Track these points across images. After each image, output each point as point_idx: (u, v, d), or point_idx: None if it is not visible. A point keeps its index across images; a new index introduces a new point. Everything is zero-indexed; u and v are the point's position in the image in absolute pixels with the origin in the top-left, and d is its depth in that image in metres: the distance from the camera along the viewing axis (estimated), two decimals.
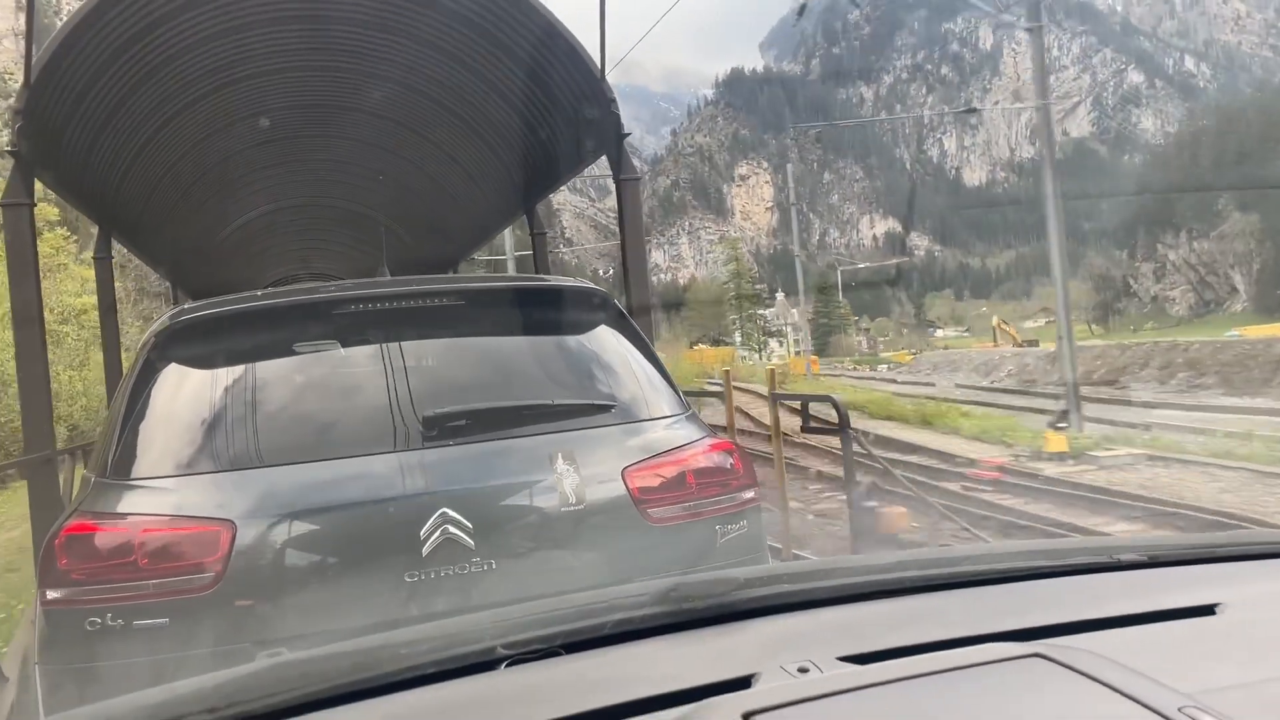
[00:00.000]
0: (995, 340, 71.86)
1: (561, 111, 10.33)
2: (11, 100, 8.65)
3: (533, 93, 10.37)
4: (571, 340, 3.69)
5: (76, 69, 8.26)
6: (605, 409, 3.42)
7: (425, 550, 2.94)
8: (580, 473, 3.16)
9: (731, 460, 3.50)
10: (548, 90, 10.28)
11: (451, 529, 2.97)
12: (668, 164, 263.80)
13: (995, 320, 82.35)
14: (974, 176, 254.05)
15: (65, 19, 8.04)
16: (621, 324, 3.74)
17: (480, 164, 11.79)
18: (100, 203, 10.64)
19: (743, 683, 1.07)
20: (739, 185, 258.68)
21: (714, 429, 3.80)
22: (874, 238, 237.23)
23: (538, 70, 10.16)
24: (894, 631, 1.23)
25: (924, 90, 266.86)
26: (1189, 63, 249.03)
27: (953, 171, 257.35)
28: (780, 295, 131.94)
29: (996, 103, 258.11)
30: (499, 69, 10.14)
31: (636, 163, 10.17)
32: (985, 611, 1.36)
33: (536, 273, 12.63)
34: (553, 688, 1.13)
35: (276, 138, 11.35)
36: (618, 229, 10.07)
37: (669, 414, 3.53)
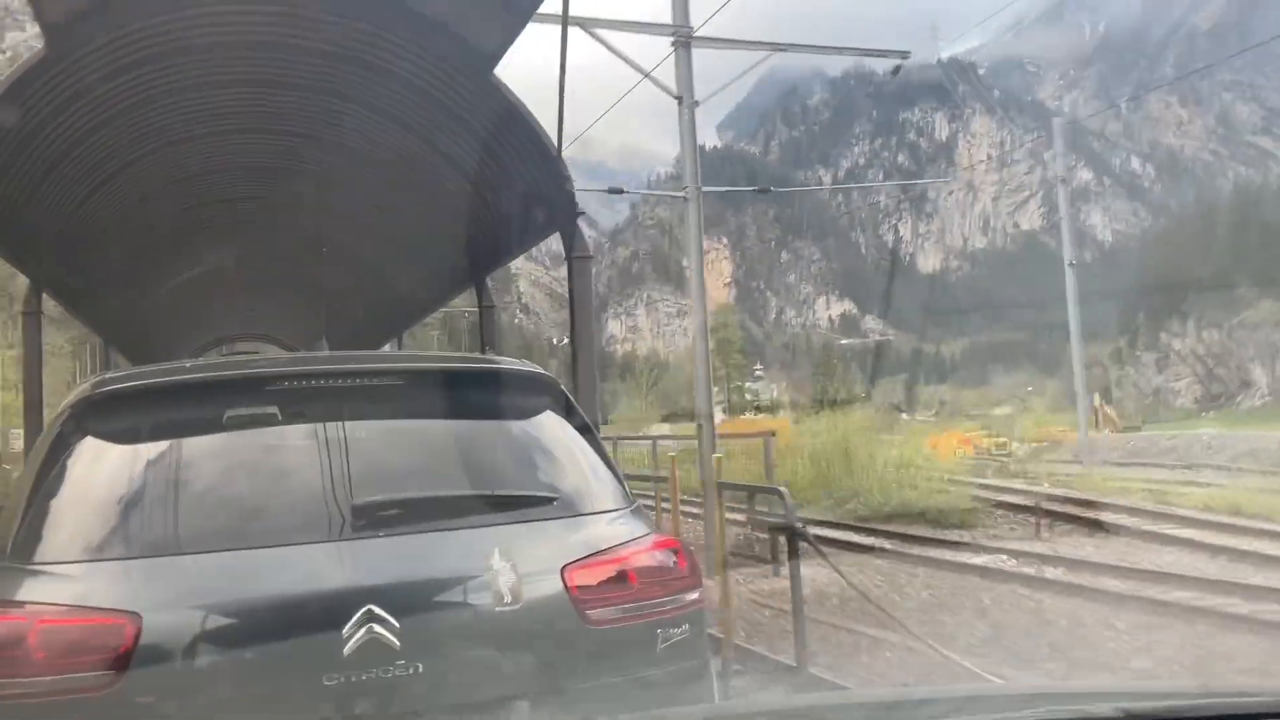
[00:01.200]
0: (1096, 424, 67.82)
1: (516, 187, 10.31)
2: None
3: (488, 168, 10.34)
4: (514, 426, 3.52)
5: (20, 119, 8.07)
6: (546, 501, 3.27)
7: (347, 650, 2.74)
8: (517, 570, 2.99)
9: (676, 559, 3.36)
10: (503, 166, 10.26)
11: (377, 628, 2.78)
12: (627, 235, 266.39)
13: (1097, 401, 78.21)
14: (928, 263, 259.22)
15: (11, 63, 7.86)
16: (567, 411, 3.60)
17: (431, 234, 11.68)
18: (34, 256, 10.34)
19: None
20: None
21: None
22: (830, 318, 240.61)
23: (494, 146, 10.14)
24: None
25: (881, 176, 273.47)
26: (1135, 163, 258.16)
27: (907, 257, 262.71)
28: (759, 369, 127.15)
29: (951, 192, 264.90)
30: (455, 142, 10.11)
31: (592, 234, 10.13)
32: None
33: (484, 346, 12.45)
34: None
35: (221, 199, 11.15)
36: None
37: (613, 508, 3.39)
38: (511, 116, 9.73)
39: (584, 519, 3.29)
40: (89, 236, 10.74)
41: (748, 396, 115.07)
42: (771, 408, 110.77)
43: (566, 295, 10.68)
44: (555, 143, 9.79)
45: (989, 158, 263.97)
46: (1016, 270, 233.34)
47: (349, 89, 9.43)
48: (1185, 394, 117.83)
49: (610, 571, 3.18)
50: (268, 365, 3.41)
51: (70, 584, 2.75)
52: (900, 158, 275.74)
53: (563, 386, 3.72)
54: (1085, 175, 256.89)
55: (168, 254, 12.67)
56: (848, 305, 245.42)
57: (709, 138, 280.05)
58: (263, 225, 12.51)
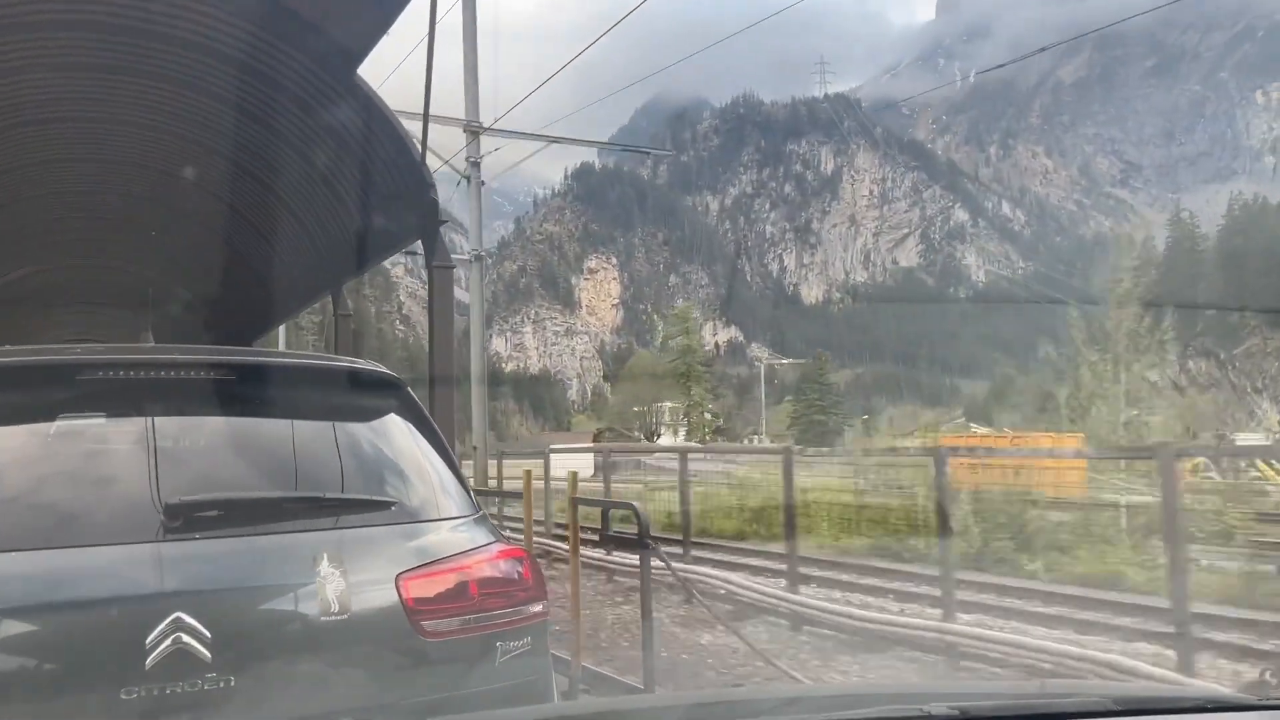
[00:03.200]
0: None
1: (378, 193, 9.94)
2: None
3: (347, 170, 9.95)
4: (354, 428, 3.30)
5: None
6: (383, 506, 3.09)
7: (150, 662, 2.53)
8: (348, 578, 2.81)
9: (520, 569, 3.24)
10: (364, 169, 9.89)
11: (185, 637, 2.57)
12: (514, 249, 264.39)
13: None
14: (811, 294, 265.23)
15: None
16: (413, 414, 3.44)
17: (286, 237, 11.11)
18: None
19: None
20: (587, 278, 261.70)
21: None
22: (716, 345, 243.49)
23: (355, 148, 9.78)
24: None
25: (767, 206, 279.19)
26: (1006, 208, 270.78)
27: (791, 287, 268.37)
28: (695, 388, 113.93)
29: (834, 225, 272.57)
30: (311, 141, 9.69)
31: (467, 247, 9.81)
32: None
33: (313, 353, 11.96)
34: None
35: (48, 193, 10.32)
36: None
37: (456, 515, 3.24)
38: (374, 118, 9.41)
39: (424, 526, 3.13)
40: None
41: (707, 416, 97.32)
42: (727, 432, 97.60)
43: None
44: (419, 148, 9.50)
45: (871, 193, 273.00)
46: (896, 305, 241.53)
47: (195, 78, 8.91)
48: (1159, 430, 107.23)
49: (449, 581, 3.03)
50: (81, 353, 3.15)
51: None
52: (787, 188, 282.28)
53: (410, 390, 3.53)
54: (961, 216, 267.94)
55: None
56: (734, 332, 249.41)
57: (593, 158, 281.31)
58: (99, 220, 11.71)
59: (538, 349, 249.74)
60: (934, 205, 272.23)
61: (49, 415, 2.89)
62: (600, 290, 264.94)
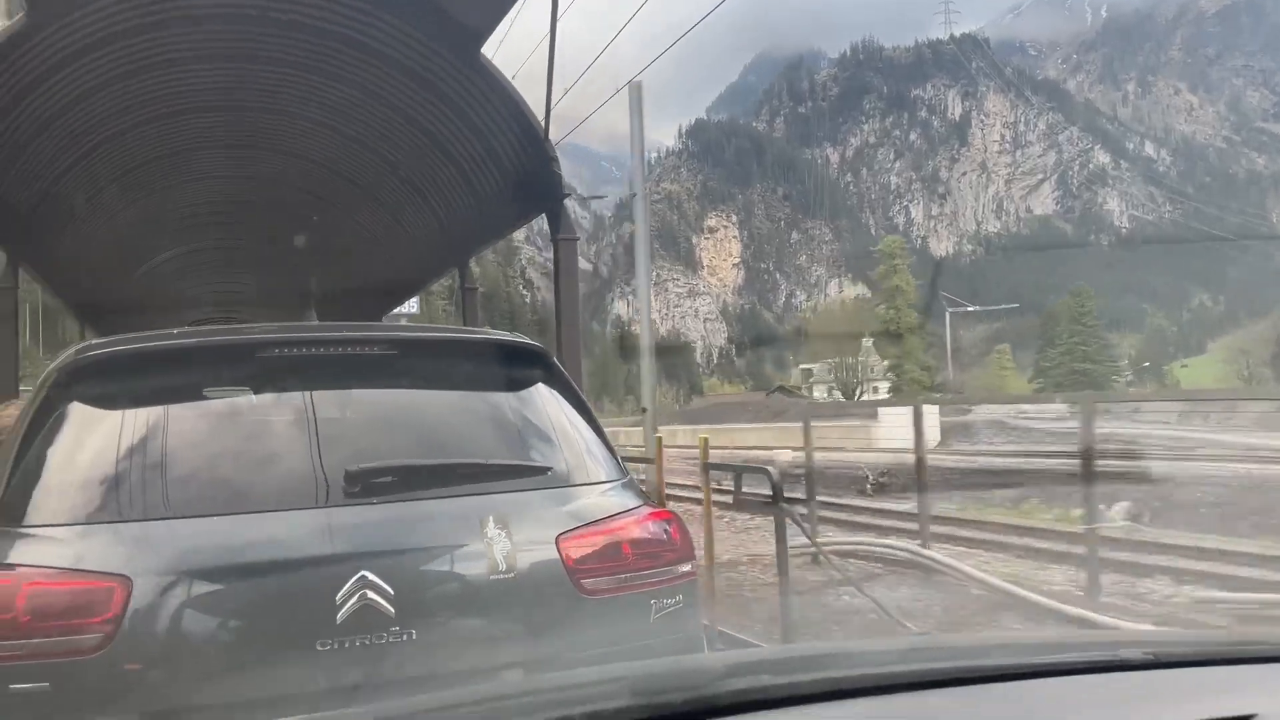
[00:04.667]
0: None
1: (502, 168, 10.15)
2: None
3: (473, 148, 10.18)
4: (507, 397, 3.50)
5: None
6: (541, 471, 3.29)
7: (340, 617, 2.74)
8: (512, 539, 2.99)
9: (669, 530, 3.37)
10: (489, 146, 10.10)
11: (370, 594, 2.78)
12: (632, 210, 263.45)
13: None
14: (940, 247, 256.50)
15: None
16: (560, 383, 3.59)
17: (414, 215, 11.53)
18: (10, 230, 10.22)
19: None
20: (707, 237, 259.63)
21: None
22: (842, 302, 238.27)
23: (480, 126, 9.99)
24: None
25: (891, 155, 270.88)
26: (1149, 148, 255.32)
27: (919, 240, 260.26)
28: (868, 342, 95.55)
29: (964, 174, 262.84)
30: (439, 121, 9.96)
31: (585, 215, 9.87)
32: (987, 718, 1.26)
33: (465, 327, 12.30)
34: None
35: (205, 176, 10.99)
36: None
37: (606, 479, 3.40)
38: (498, 96, 9.57)
39: (578, 489, 3.29)
40: (68, 211, 10.64)
41: (920, 372, 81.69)
42: (929, 385, 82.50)
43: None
44: (543, 124, 9.62)
45: (1002, 138, 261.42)
46: (1032, 256, 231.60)
47: (331, 65, 9.28)
48: None
49: (604, 542, 3.19)
50: (258, 333, 3.41)
51: (58, 547, 2.74)
52: (912, 136, 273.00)
53: (556, 360, 3.69)
54: (1101, 158, 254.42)
55: (150, 230, 12.55)
56: (861, 289, 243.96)
57: (705, 114, 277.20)
58: (247, 202, 12.38)
59: (661, 311, 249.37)
60: (1070, 148, 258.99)
61: (230, 391, 3.15)
62: (721, 249, 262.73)
